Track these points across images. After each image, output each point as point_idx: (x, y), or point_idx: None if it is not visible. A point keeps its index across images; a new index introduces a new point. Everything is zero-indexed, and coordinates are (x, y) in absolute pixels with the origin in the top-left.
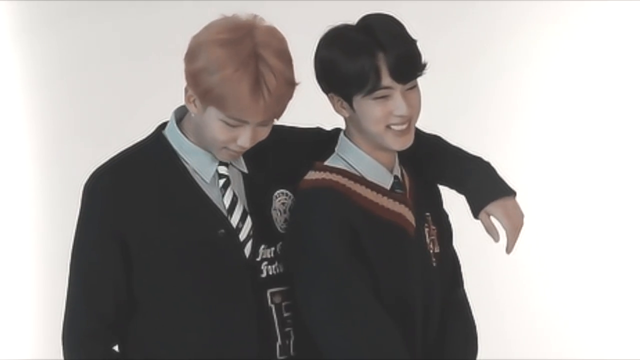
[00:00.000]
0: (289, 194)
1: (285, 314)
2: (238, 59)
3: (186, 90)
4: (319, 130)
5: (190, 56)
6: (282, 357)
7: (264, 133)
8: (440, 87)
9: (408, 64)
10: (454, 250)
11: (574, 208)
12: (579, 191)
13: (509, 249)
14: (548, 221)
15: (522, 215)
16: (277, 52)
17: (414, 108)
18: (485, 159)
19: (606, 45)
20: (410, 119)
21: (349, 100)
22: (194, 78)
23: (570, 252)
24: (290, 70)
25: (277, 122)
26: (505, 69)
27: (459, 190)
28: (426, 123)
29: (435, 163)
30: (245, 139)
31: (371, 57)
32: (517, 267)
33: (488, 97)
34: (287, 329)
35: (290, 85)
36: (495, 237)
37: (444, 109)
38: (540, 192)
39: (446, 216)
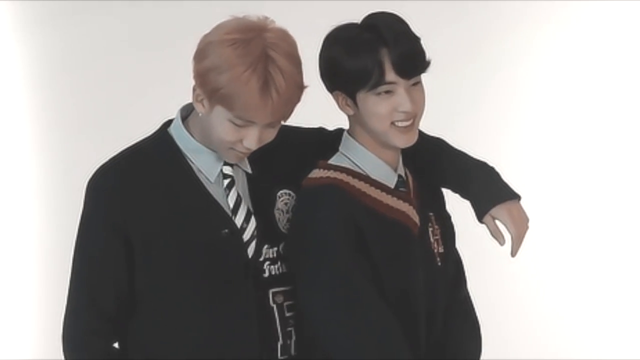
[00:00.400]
0: (292, 194)
1: (287, 314)
2: (248, 59)
3: (194, 90)
4: (321, 130)
5: (200, 55)
6: (283, 357)
7: (270, 135)
8: (435, 87)
9: (412, 59)
10: (456, 251)
11: (569, 208)
12: (573, 191)
13: (513, 253)
14: (543, 221)
15: (527, 219)
16: (287, 55)
17: (418, 105)
18: (482, 160)
19: (601, 45)
20: (415, 115)
21: (353, 97)
22: (203, 77)
23: (568, 253)
24: (299, 73)
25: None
26: (501, 69)
27: (463, 194)
28: (422, 122)
29: (438, 166)
30: (252, 140)
31: (375, 53)
32: (517, 268)
33: (483, 97)
34: (289, 329)
35: (298, 88)
36: (501, 241)
37: (439, 108)
38: (534, 191)
39: (449, 217)
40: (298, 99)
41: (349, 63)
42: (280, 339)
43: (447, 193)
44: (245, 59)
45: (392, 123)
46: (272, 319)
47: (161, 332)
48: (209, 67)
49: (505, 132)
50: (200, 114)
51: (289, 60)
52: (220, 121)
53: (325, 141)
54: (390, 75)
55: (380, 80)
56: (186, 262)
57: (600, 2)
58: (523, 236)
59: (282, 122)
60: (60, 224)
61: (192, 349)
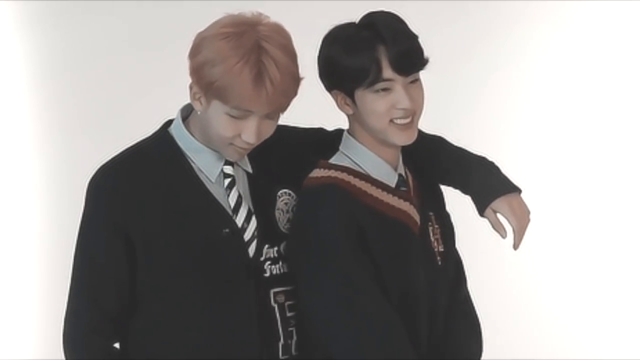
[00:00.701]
0: (292, 193)
1: (289, 314)
2: (240, 51)
3: (191, 88)
4: (321, 130)
5: (194, 51)
6: (284, 357)
7: (269, 128)
8: (433, 86)
9: (409, 56)
10: (457, 251)
11: (566, 207)
12: (570, 190)
13: (516, 246)
14: (541, 221)
15: (528, 212)
16: (281, 46)
17: (417, 102)
18: (481, 155)
19: (598, 44)
20: (414, 113)
21: (351, 95)
22: (198, 72)
23: (567, 254)
24: (294, 65)
25: (279, 123)
26: (498, 68)
27: (464, 190)
28: (420, 121)
29: (438, 163)
30: (250, 132)
31: (372, 50)
32: (517, 267)
33: (481, 96)
34: (290, 329)
35: (294, 79)
36: (503, 234)
37: (437, 107)
38: (531, 191)
39: (448, 216)
40: (295, 92)
41: (346, 61)
42: (282, 338)
43: (447, 193)
44: (238, 50)
45: (391, 121)
46: (273, 318)
47: (162, 331)
48: (203, 62)
49: (502, 131)
50: (198, 112)
51: (283, 51)
52: (217, 116)
53: (324, 141)
54: (388, 72)
55: (378, 77)
56: (187, 262)
57: (596, 2)
58: (525, 228)
59: (281, 114)
60: (61, 223)
61: (192, 348)
